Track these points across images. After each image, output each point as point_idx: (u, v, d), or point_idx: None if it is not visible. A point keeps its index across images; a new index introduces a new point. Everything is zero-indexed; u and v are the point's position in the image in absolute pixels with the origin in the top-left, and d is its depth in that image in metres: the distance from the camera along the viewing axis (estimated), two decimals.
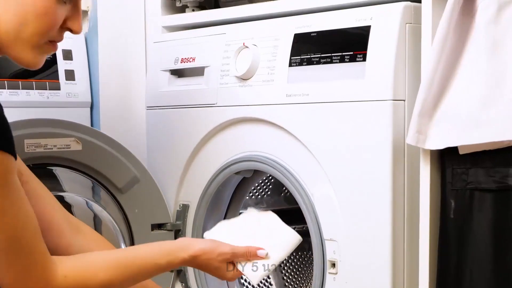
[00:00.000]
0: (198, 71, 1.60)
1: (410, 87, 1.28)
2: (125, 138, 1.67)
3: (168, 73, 1.67)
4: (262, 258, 1.27)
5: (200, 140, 1.58)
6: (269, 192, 1.67)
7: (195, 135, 1.59)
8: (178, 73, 1.67)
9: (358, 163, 1.30)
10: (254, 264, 1.26)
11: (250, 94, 1.48)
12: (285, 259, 1.65)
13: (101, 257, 1.13)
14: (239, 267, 1.26)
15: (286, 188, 1.63)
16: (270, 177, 1.65)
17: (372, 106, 1.28)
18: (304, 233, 1.37)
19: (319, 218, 1.36)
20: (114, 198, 1.60)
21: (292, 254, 1.49)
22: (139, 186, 1.61)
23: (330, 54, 1.35)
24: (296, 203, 1.41)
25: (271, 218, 1.35)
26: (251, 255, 1.26)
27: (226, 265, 1.24)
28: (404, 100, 1.27)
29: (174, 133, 1.65)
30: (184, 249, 1.20)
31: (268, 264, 1.27)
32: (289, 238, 1.31)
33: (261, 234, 1.31)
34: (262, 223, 1.34)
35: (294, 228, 1.33)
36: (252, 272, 1.26)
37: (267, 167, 1.45)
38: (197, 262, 1.22)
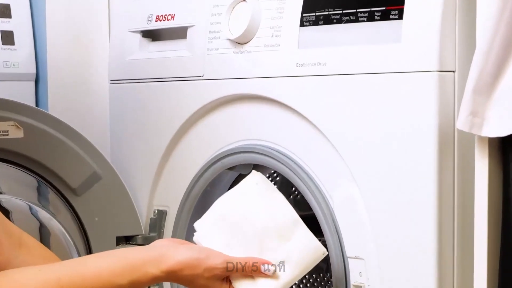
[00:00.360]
0: (178, 33, 1.60)
1: (461, 54, 1.28)
2: (81, 122, 1.67)
3: (138, 35, 1.67)
4: (267, 276, 1.26)
5: (181, 124, 1.59)
6: None
7: (175, 118, 1.59)
8: (152, 35, 1.67)
9: (392, 156, 1.30)
10: (256, 282, 1.25)
11: (248, 64, 1.48)
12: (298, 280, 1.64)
13: (35, 276, 1.10)
14: (236, 285, 1.25)
15: (296, 189, 1.63)
16: (275, 174, 1.65)
17: (411, 79, 1.28)
18: None
19: (341, 229, 1.37)
20: (67, 202, 1.61)
21: (307, 273, 1.49)
22: (100, 186, 1.61)
23: (355, 10, 1.34)
24: (310, 208, 1.41)
25: (286, 210, 1.33)
26: (252, 271, 1.25)
27: (216, 283, 1.23)
28: (453, 72, 1.27)
29: (147, 116, 1.65)
30: (156, 262, 1.18)
31: (275, 284, 1.26)
32: (309, 249, 1.29)
33: (271, 238, 1.29)
34: (273, 216, 1.31)
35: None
36: None
37: (270, 161, 1.46)
38: (175, 278, 1.20)
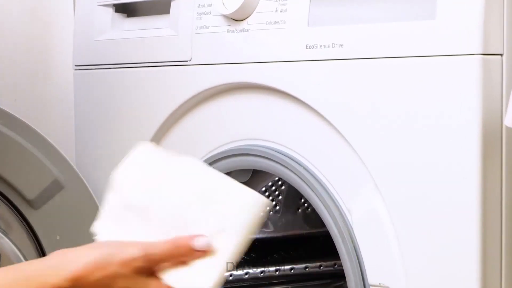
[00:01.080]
0: (160, 7, 1.60)
1: (511, 34, 1.28)
2: (39, 117, 1.68)
3: (110, 10, 1.68)
4: (204, 254, 1.16)
5: (163, 121, 1.60)
6: (278, 207, 1.67)
7: (155, 113, 1.60)
8: (127, 9, 1.68)
9: (425, 160, 1.30)
10: (193, 267, 1.16)
11: (246, 46, 1.49)
12: None
13: None
14: (168, 278, 1.16)
15: (305, 201, 1.64)
16: (280, 183, 1.67)
17: (448, 64, 1.28)
18: (337, 275, 1.37)
19: (361, 250, 1.37)
20: (22, 217, 1.61)
21: None
22: (62, 198, 1.62)
23: None
24: (323, 225, 1.41)
25: (205, 170, 1.22)
26: (183, 254, 1.16)
27: (140, 280, 1.16)
28: (501, 55, 1.28)
29: (121, 110, 1.66)
30: (55, 270, 1.15)
31: (218, 262, 1.15)
32: (248, 203, 1.18)
33: (196, 206, 1.19)
34: (191, 181, 1.22)
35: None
36: (192, 284, 1.16)
37: (274, 166, 1.46)
38: (85, 285, 1.16)
